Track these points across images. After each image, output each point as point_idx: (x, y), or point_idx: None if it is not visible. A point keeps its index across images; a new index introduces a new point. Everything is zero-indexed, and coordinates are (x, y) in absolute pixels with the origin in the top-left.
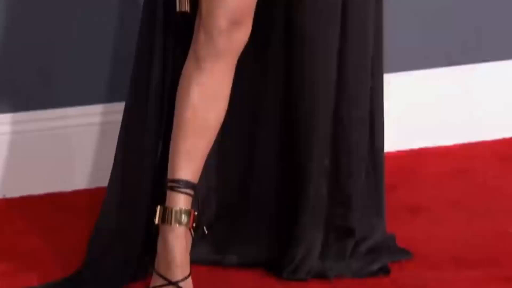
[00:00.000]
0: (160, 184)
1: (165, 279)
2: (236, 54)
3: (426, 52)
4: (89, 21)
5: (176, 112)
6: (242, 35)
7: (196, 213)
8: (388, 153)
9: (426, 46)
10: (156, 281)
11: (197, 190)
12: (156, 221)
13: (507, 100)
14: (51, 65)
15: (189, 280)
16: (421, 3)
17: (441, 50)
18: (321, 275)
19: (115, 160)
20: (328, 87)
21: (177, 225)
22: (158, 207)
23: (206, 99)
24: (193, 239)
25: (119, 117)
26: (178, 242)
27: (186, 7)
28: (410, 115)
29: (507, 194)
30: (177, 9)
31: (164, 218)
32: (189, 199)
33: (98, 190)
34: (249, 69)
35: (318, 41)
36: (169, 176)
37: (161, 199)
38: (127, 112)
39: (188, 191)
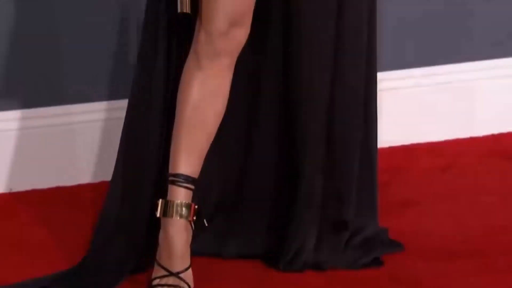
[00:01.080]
0: (161, 178)
1: (167, 270)
2: (236, 53)
3: (417, 51)
4: (92, 19)
5: (177, 109)
6: (241, 36)
7: (196, 206)
8: (380, 149)
9: (416, 45)
10: (158, 272)
11: (197, 184)
12: (158, 214)
13: (497, 97)
14: (56, 63)
15: (190, 271)
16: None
17: (431, 49)
18: (316, 267)
19: (118, 155)
20: (324, 85)
21: (178, 218)
22: (160, 201)
23: (206, 96)
24: (194, 232)
25: (122, 113)
26: (178, 234)
27: (187, 9)
28: (402, 112)
29: (494, 188)
30: (179, 10)
31: (166, 211)
32: (190, 193)
33: (101, 184)
34: (248, 67)
35: (315, 39)
36: (170, 171)
37: (163, 193)
38: (130, 109)
39: (189, 185)
